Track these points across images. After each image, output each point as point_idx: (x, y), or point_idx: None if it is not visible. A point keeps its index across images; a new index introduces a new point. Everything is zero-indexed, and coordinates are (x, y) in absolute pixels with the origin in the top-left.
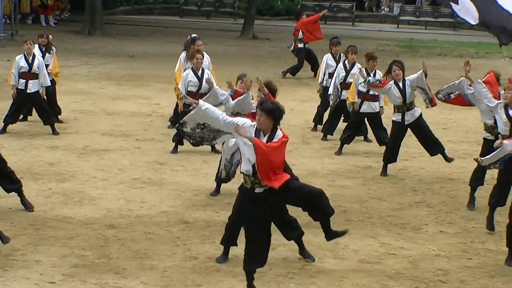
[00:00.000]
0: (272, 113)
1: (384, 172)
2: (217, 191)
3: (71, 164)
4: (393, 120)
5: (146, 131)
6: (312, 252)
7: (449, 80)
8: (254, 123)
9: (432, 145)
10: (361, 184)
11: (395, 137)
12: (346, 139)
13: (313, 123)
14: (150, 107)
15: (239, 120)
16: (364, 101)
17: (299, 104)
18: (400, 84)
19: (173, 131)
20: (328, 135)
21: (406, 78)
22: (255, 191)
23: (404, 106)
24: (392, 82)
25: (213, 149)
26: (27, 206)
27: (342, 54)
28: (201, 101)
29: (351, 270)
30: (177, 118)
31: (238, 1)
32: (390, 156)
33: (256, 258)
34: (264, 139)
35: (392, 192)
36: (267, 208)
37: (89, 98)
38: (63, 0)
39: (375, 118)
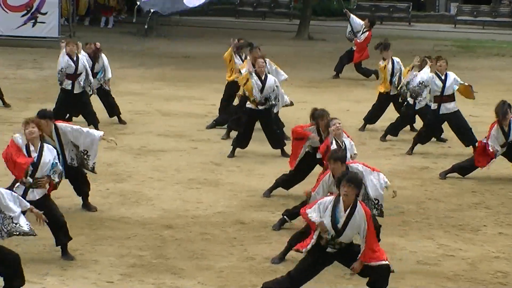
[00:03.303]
0: (359, 183)
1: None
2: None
3: (128, 164)
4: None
5: (201, 132)
6: None
7: (506, 81)
8: (332, 197)
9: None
10: (418, 185)
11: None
12: (422, 140)
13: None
14: (205, 107)
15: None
16: (441, 103)
17: (355, 105)
18: None
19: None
20: (388, 136)
21: None
22: (327, 250)
23: None
24: None
25: (283, 153)
26: (89, 208)
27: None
28: None
29: (409, 271)
30: (225, 120)
31: (293, 1)
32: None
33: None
34: (345, 215)
35: (449, 193)
36: (330, 262)
37: (144, 99)
38: (119, 2)
39: (457, 118)
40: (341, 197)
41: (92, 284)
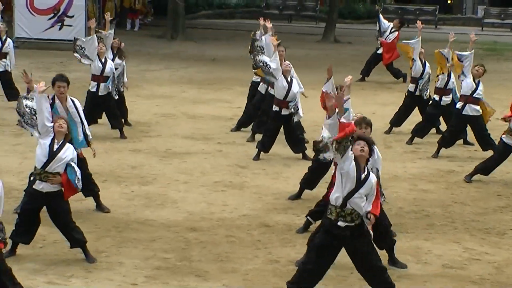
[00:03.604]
0: (372, 148)
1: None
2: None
3: (153, 167)
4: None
5: (227, 135)
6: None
7: None
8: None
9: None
10: (444, 188)
11: None
12: (446, 144)
13: (389, 125)
14: (231, 110)
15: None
16: (467, 103)
17: (381, 108)
18: None
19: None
20: (415, 138)
21: None
22: (338, 223)
23: None
24: None
25: (305, 157)
26: (102, 209)
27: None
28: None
29: (434, 275)
30: (247, 121)
31: (319, 4)
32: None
33: (302, 282)
34: (363, 174)
35: (475, 196)
36: (338, 248)
37: (171, 101)
38: (146, 5)
39: (477, 122)
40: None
41: (117, 286)
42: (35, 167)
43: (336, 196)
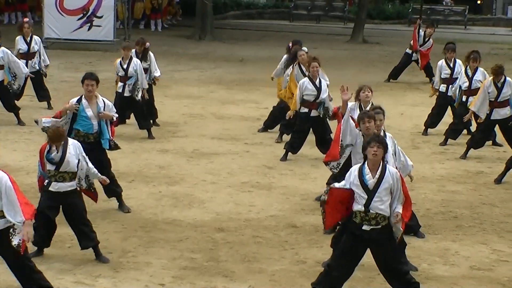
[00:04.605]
0: (385, 145)
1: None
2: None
3: (181, 167)
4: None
5: (254, 135)
6: (422, 257)
7: None
8: (357, 165)
9: None
10: (472, 189)
11: None
12: (475, 145)
13: (424, 127)
14: (259, 111)
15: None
16: (494, 109)
17: (410, 109)
18: None
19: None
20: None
21: None
22: (362, 227)
23: None
24: None
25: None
26: (123, 209)
27: (457, 60)
28: None
29: (462, 276)
30: (273, 123)
31: (348, 5)
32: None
33: (327, 283)
34: (376, 175)
35: (504, 198)
36: (364, 249)
37: (199, 102)
38: (174, 5)
39: (506, 124)
40: (366, 162)
41: (144, 286)
42: (49, 170)
43: (358, 208)
